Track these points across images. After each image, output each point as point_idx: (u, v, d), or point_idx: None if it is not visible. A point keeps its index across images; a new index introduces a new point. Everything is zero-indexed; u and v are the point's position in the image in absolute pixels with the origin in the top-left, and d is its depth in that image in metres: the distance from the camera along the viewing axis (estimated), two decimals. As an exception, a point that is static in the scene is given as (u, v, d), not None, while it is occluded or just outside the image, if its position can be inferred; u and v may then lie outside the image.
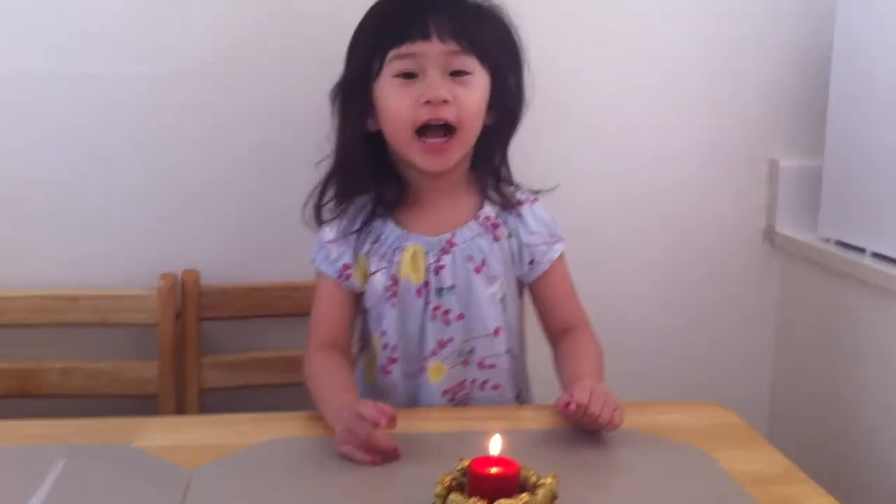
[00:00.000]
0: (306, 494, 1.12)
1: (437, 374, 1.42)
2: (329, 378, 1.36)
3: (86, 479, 1.15)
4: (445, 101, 1.33)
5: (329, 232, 1.44)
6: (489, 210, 1.44)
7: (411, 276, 1.39)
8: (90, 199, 1.78)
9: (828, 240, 1.85)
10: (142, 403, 1.72)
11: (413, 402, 1.44)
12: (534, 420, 1.40)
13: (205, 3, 1.74)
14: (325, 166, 1.46)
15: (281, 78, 1.77)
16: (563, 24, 1.83)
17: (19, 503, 1.07)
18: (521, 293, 1.50)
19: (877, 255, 1.71)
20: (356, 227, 1.42)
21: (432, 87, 1.33)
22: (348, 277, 1.42)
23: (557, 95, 1.80)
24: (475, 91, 1.36)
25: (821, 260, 1.85)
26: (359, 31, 1.40)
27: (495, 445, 1.04)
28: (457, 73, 1.35)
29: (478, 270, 1.40)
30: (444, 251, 1.40)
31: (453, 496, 0.99)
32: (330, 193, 1.45)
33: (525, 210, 1.46)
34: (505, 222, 1.44)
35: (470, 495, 0.98)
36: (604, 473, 1.19)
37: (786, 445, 1.29)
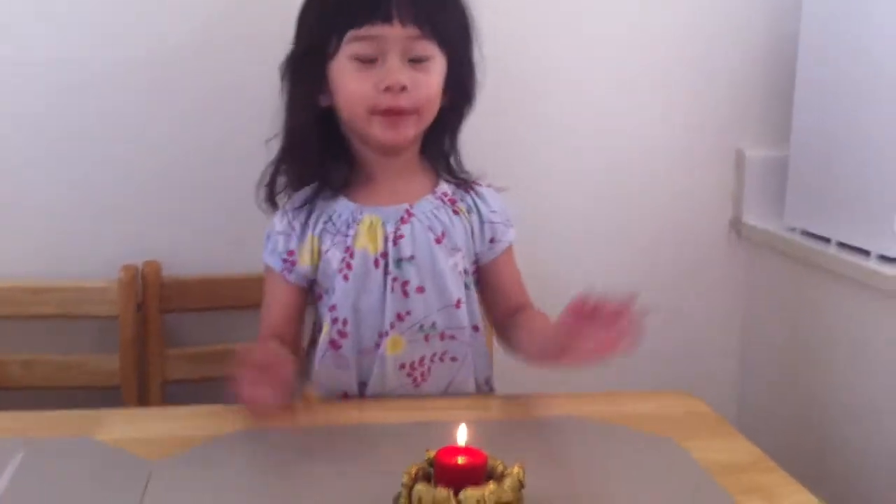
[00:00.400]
0: (270, 487, 1.10)
1: (394, 348, 1.38)
2: None
3: (44, 473, 1.12)
4: (404, 88, 1.31)
5: (278, 223, 1.41)
6: (445, 187, 1.42)
7: (368, 246, 1.36)
8: (50, 189, 1.76)
9: (794, 229, 1.85)
10: (105, 396, 1.69)
11: (365, 376, 1.40)
12: (501, 410, 1.39)
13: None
14: (276, 146, 1.43)
15: (247, 66, 1.75)
16: (529, 14, 1.83)
17: (-25, 498, 1.05)
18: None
19: (842, 245, 1.72)
20: (297, 204, 1.39)
21: (392, 74, 1.30)
22: (293, 265, 1.39)
23: (523, 87, 1.79)
24: (433, 76, 1.34)
25: (787, 250, 1.85)
26: (312, 1, 1.37)
27: (462, 435, 1.03)
28: (416, 59, 1.32)
29: (438, 241, 1.38)
30: (402, 221, 1.37)
31: (419, 486, 0.97)
32: (282, 180, 1.42)
33: (483, 189, 1.44)
34: (462, 199, 1.42)
35: (436, 485, 0.97)
36: (572, 463, 1.18)
37: (754, 435, 1.29)
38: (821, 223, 1.78)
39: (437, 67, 1.34)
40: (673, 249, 1.98)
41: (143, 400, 1.73)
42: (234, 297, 1.76)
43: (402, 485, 0.99)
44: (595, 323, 1.20)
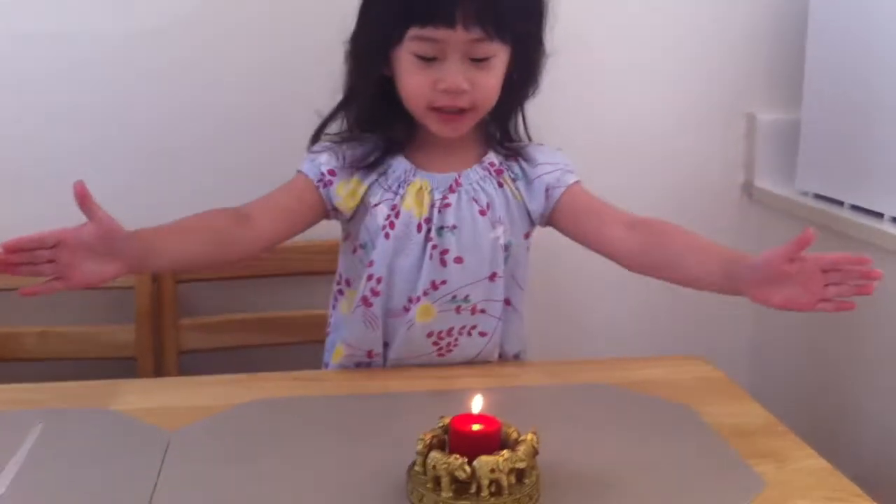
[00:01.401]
0: (288, 455, 1.11)
1: (425, 316, 1.37)
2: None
3: (64, 444, 1.14)
4: (463, 91, 1.29)
5: (322, 147, 1.38)
6: (493, 157, 1.41)
7: (414, 209, 1.35)
8: (63, 160, 1.76)
9: (806, 193, 1.85)
10: (120, 366, 1.71)
11: (390, 339, 1.40)
12: (516, 377, 1.40)
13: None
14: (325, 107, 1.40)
15: (263, 35, 1.76)
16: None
17: (-4, 469, 1.06)
18: (528, 247, 1.45)
19: (855, 208, 1.71)
20: (371, 160, 1.37)
21: (451, 77, 1.28)
22: (328, 184, 1.37)
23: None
24: (494, 74, 1.31)
25: (799, 213, 1.85)
26: None
27: (477, 404, 1.03)
28: (477, 59, 1.29)
29: (482, 213, 1.37)
30: (451, 189, 1.37)
31: (434, 454, 0.98)
32: (335, 126, 1.40)
33: (532, 148, 1.42)
34: (509, 168, 1.40)
35: (451, 453, 0.98)
36: (585, 429, 1.18)
37: (766, 400, 1.30)
38: (833, 186, 1.78)
39: (499, 63, 1.32)
40: (685, 213, 1.94)
41: (158, 370, 1.75)
42: (248, 266, 1.76)
43: (417, 452, 1.00)
44: (810, 274, 1.20)
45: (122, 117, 1.76)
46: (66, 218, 1.75)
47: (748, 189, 1.98)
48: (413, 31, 1.27)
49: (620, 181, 1.92)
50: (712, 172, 1.98)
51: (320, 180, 1.37)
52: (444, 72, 1.28)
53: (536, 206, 1.41)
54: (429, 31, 1.26)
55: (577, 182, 1.42)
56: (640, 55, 1.91)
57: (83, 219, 1.73)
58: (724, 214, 2.00)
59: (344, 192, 1.37)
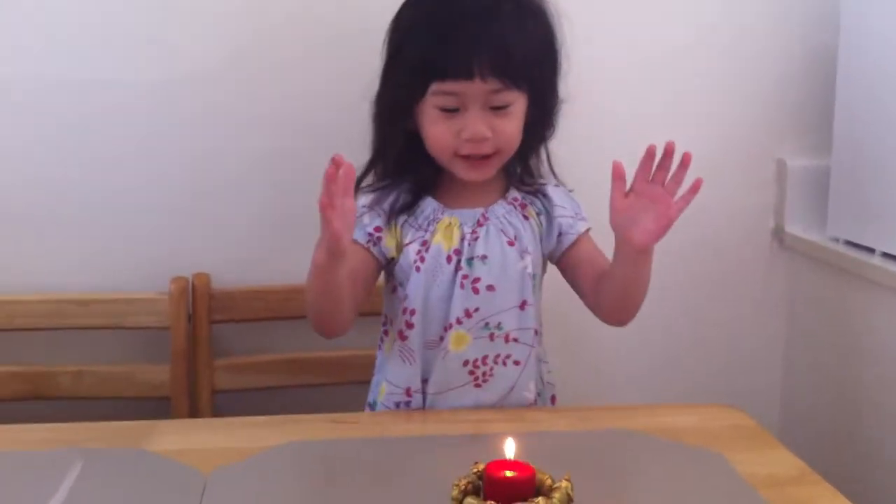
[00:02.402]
0: (324, 498, 1.12)
1: (459, 343, 1.41)
2: None
3: (102, 484, 1.15)
4: (485, 139, 1.36)
5: (363, 198, 1.44)
6: (515, 193, 1.47)
7: (443, 242, 1.41)
8: (101, 203, 1.78)
9: (837, 239, 1.85)
10: (154, 405, 1.72)
11: (428, 373, 1.43)
12: (545, 422, 1.41)
13: (216, 6, 1.75)
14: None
15: (293, 82, 1.78)
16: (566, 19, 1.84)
17: (37, 508, 1.08)
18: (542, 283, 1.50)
19: (886, 255, 1.71)
20: (399, 205, 1.43)
21: (473, 126, 1.35)
22: (378, 241, 1.43)
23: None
24: (514, 119, 1.38)
25: (830, 260, 1.85)
26: (397, 47, 1.40)
27: (509, 447, 1.04)
28: (497, 107, 1.36)
29: (511, 244, 1.42)
30: (479, 223, 1.42)
31: (469, 500, 0.99)
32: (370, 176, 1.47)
33: (550, 189, 1.49)
34: (531, 203, 1.47)
35: (486, 499, 0.99)
36: (616, 476, 1.19)
37: (797, 446, 1.30)
38: (864, 233, 1.78)
39: (519, 109, 1.39)
40: (715, 259, 1.98)
41: (192, 410, 1.76)
42: (282, 307, 1.78)
43: (452, 498, 1.00)
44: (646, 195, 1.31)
45: (158, 161, 1.78)
46: (107, 259, 1.80)
47: (779, 235, 1.99)
48: (434, 87, 1.35)
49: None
50: (742, 218, 1.98)
51: (369, 241, 1.43)
52: (466, 121, 1.36)
53: (548, 244, 1.48)
54: (449, 85, 1.34)
55: (587, 231, 1.48)
56: (669, 100, 1.92)
57: (120, 261, 1.79)
58: (754, 260, 2.00)
59: (392, 244, 1.44)
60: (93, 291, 1.77)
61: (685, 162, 1.31)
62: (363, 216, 1.43)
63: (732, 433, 1.33)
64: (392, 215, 1.44)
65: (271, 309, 1.79)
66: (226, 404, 1.78)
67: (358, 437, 1.32)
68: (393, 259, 1.44)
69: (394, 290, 1.46)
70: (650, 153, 1.31)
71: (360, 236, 1.43)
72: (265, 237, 1.83)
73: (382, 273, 1.48)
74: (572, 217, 1.48)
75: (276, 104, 1.79)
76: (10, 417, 1.41)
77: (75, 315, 1.75)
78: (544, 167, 1.51)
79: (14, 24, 1.73)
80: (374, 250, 1.43)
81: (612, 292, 1.42)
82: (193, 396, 1.76)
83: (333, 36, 1.76)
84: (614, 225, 1.33)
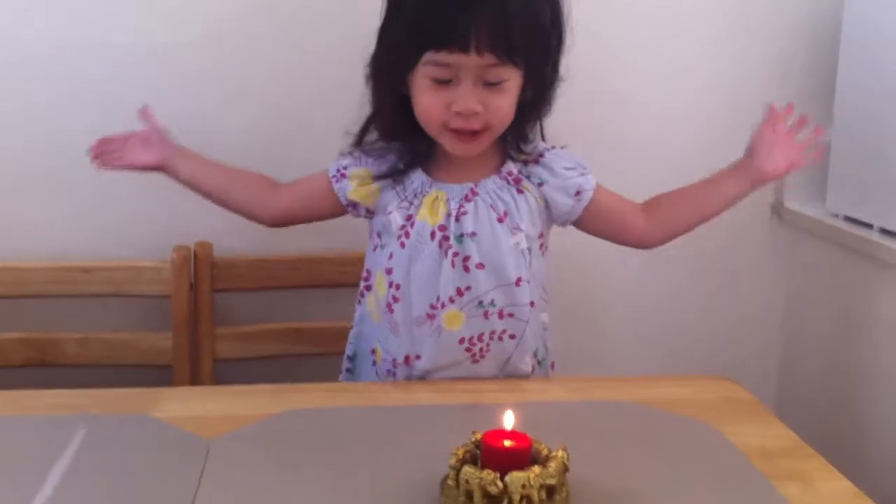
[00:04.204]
0: (324, 465, 1.14)
1: (454, 323, 1.41)
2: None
3: (106, 449, 1.17)
4: (476, 113, 1.33)
5: (348, 158, 1.47)
6: (511, 166, 1.44)
7: (428, 218, 1.40)
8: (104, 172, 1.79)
9: (836, 215, 1.86)
10: (157, 373, 1.74)
11: (418, 348, 1.43)
12: (542, 392, 1.42)
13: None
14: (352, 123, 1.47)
15: (297, 46, 1.79)
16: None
17: (42, 471, 1.09)
18: (545, 248, 1.49)
19: (885, 231, 1.72)
20: (386, 169, 1.44)
21: (464, 100, 1.32)
22: (341, 178, 1.46)
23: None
24: (507, 96, 1.35)
25: (829, 235, 1.86)
26: (395, 8, 1.37)
27: (509, 420, 1.06)
28: (491, 83, 1.33)
29: (500, 220, 1.41)
30: (466, 198, 1.41)
31: (467, 468, 1.00)
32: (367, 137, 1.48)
33: (547, 155, 1.46)
34: (529, 176, 1.44)
35: (483, 468, 1.00)
36: (611, 446, 1.20)
37: (794, 420, 1.31)
38: (863, 208, 1.79)
39: (513, 86, 1.35)
40: (714, 234, 1.96)
41: (194, 377, 1.78)
42: (284, 277, 1.80)
43: (450, 466, 1.02)
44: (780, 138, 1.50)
45: (171, 124, 1.78)
46: (111, 228, 1.81)
47: (778, 210, 1.99)
48: (428, 56, 1.32)
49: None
50: (742, 193, 1.98)
51: (334, 175, 1.46)
52: (457, 94, 1.33)
53: (563, 208, 1.46)
54: (443, 56, 1.31)
55: (597, 182, 1.48)
56: (670, 73, 1.92)
57: (123, 229, 1.80)
58: (753, 235, 2.01)
59: (361, 193, 1.45)
60: (96, 259, 1.79)
61: (818, 131, 1.52)
62: (342, 160, 1.47)
63: (727, 405, 1.34)
64: (377, 174, 1.44)
65: (273, 278, 1.81)
66: (227, 372, 1.80)
67: (357, 406, 1.33)
68: (362, 207, 1.46)
69: (374, 248, 1.47)
70: (789, 109, 1.51)
71: (330, 169, 1.47)
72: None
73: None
74: (582, 175, 1.46)
75: (281, 69, 1.80)
76: (15, 383, 1.43)
77: (79, 282, 1.77)
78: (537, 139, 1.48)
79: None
80: (336, 186, 1.46)
81: (686, 214, 1.53)
82: (195, 364, 1.78)
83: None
84: (753, 150, 1.51)
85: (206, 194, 1.52)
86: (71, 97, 1.77)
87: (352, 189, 1.45)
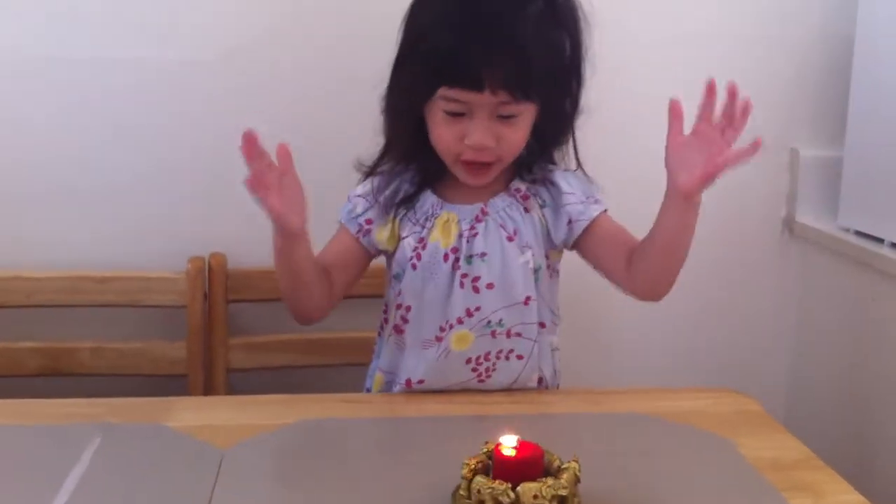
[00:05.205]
0: (337, 475, 1.14)
1: (462, 343, 1.40)
2: None
3: (121, 458, 1.18)
4: (489, 148, 1.33)
5: (360, 188, 1.46)
6: (519, 184, 1.44)
7: (441, 240, 1.40)
8: (121, 183, 1.81)
9: (847, 230, 1.86)
10: (171, 383, 1.75)
11: (427, 369, 1.42)
12: (552, 404, 1.43)
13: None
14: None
15: (310, 63, 1.80)
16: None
17: (58, 480, 1.10)
18: (553, 272, 1.48)
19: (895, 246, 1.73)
20: (400, 197, 1.43)
21: (477, 135, 1.32)
22: (367, 233, 1.43)
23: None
24: (521, 128, 1.35)
25: (840, 249, 1.86)
26: (410, 43, 1.36)
27: (508, 442, 1.05)
28: (504, 116, 1.33)
29: (510, 239, 1.40)
30: (477, 219, 1.40)
31: (479, 479, 1.01)
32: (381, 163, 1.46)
33: (557, 176, 1.44)
34: (535, 194, 1.44)
35: (495, 478, 1.01)
36: (622, 458, 1.20)
37: (803, 432, 1.31)
38: (875, 223, 1.79)
39: (527, 118, 1.35)
40: (726, 248, 1.99)
41: (207, 387, 1.79)
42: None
43: (462, 476, 1.03)
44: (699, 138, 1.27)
45: (177, 142, 1.81)
46: (126, 238, 1.83)
47: (789, 224, 2.00)
48: (442, 91, 1.31)
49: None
50: (754, 206, 1.99)
51: (359, 231, 1.44)
52: (471, 129, 1.32)
53: (559, 233, 1.44)
54: (456, 93, 1.30)
55: (602, 213, 1.44)
56: (683, 89, 1.92)
57: (138, 240, 1.81)
58: (764, 248, 2.01)
59: (384, 236, 1.43)
60: (111, 270, 1.80)
61: (746, 110, 1.26)
62: (357, 205, 1.44)
63: (739, 418, 1.35)
64: (391, 208, 1.42)
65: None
66: (240, 382, 1.81)
67: (370, 417, 1.34)
68: (387, 251, 1.44)
69: (390, 281, 1.46)
70: (711, 90, 1.25)
71: (351, 225, 1.44)
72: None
73: (383, 259, 1.49)
74: (583, 203, 1.43)
75: (294, 84, 1.80)
76: (29, 392, 1.45)
77: (94, 292, 1.77)
78: (570, 157, 1.46)
79: (40, 4, 1.75)
80: (364, 241, 1.44)
81: (652, 253, 1.36)
82: (208, 374, 1.79)
83: (350, 16, 1.77)
84: (667, 165, 1.29)
85: (296, 275, 1.38)
86: (87, 108, 1.78)
87: (381, 239, 1.43)
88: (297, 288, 1.39)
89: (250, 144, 1.24)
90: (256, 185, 1.24)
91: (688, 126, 1.28)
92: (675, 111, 1.27)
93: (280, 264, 1.36)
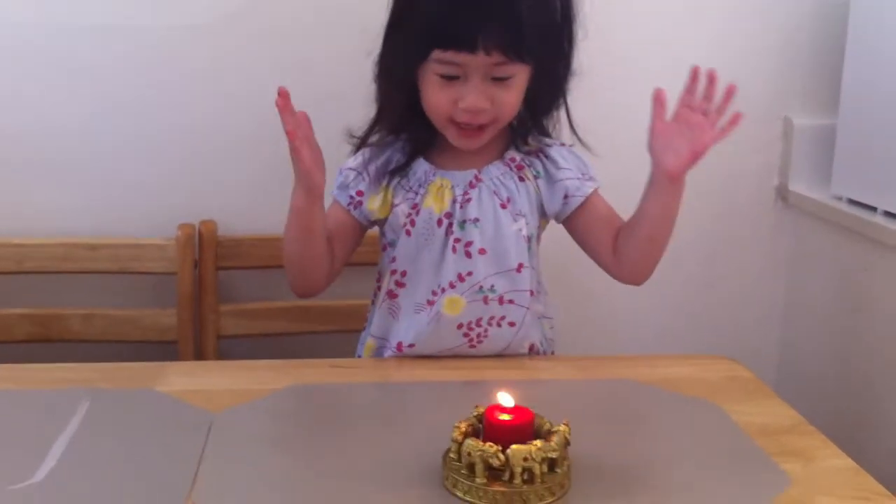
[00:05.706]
0: (327, 439, 1.15)
1: (454, 308, 1.40)
2: None
3: (110, 422, 1.18)
4: (483, 109, 1.33)
5: (352, 161, 1.45)
6: (514, 153, 1.44)
7: (434, 205, 1.40)
8: (111, 148, 1.80)
9: (840, 198, 1.86)
10: (161, 349, 1.75)
11: (418, 331, 1.42)
12: (544, 370, 1.42)
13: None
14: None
15: (304, 30, 1.79)
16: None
17: (46, 443, 1.10)
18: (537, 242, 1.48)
19: (888, 214, 1.72)
20: (392, 166, 1.42)
21: (471, 97, 1.31)
22: (359, 205, 1.43)
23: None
24: (515, 90, 1.35)
25: (833, 218, 1.86)
26: (402, 7, 1.35)
27: (504, 400, 1.06)
28: (499, 78, 1.32)
29: (503, 206, 1.40)
30: (471, 185, 1.41)
31: (469, 441, 1.01)
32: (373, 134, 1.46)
33: (553, 150, 1.45)
34: (530, 165, 1.44)
35: (485, 441, 1.01)
36: (613, 423, 1.21)
37: (795, 401, 1.31)
38: (868, 192, 1.79)
39: (521, 80, 1.35)
40: (719, 215, 1.99)
41: (198, 354, 1.79)
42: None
43: (452, 439, 1.03)
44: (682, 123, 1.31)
45: (168, 108, 1.80)
46: (116, 205, 1.82)
47: (782, 193, 2.00)
48: (436, 54, 1.31)
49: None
50: (747, 175, 1.99)
51: (350, 203, 1.44)
52: (465, 91, 1.32)
53: (553, 206, 1.45)
54: (450, 55, 1.30)
55: (595, 191, 1.46)
56: (676, 58, 1.91)
57: (128, 207, 1.80)
58: (757, 217, 2.01)
59: (376, 206, 1.43)
60: (102, 236, 1.79)
61: (729, 92, 1.29)
62: (349, 177, 1.44)
63: (729, 384, 1.35)
64: (383, 177, 1.42)
65: (276, 256, 1.78)
66: (231, 349, 1.81)
67: (360, 382, 1.34)
68: (379, 220, 1.44)
69: (384, 248, 1.47)
70: (694, 76, 1.30)
71: (342, 198, 1.44)
72: (272, 185, 1.82)
73: (377, 229, 1.48)
74: (579, 178, 1.44)
75: (287, 52, 1.79)
76: (18, 359, 1.44)
77: (84, 259, 1.77)
78: (563, 127, 1.46)
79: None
80: (356, 213, 1.44)
81: (635, 239, 1.39)
82: (199, 341, 1.79)
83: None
84: (651, 149, 1.32)
85: (309, 239, 1.38)
86: (78, 75, 1.77)
87: (372, 209, 1.43)
88: (306, 254, 1.39)
89: (285, 99, 1.26)
90: (295, 135, 1.26)
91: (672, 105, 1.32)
92: (658, 99, 1.31)
93: (295, 226, 1.37)
